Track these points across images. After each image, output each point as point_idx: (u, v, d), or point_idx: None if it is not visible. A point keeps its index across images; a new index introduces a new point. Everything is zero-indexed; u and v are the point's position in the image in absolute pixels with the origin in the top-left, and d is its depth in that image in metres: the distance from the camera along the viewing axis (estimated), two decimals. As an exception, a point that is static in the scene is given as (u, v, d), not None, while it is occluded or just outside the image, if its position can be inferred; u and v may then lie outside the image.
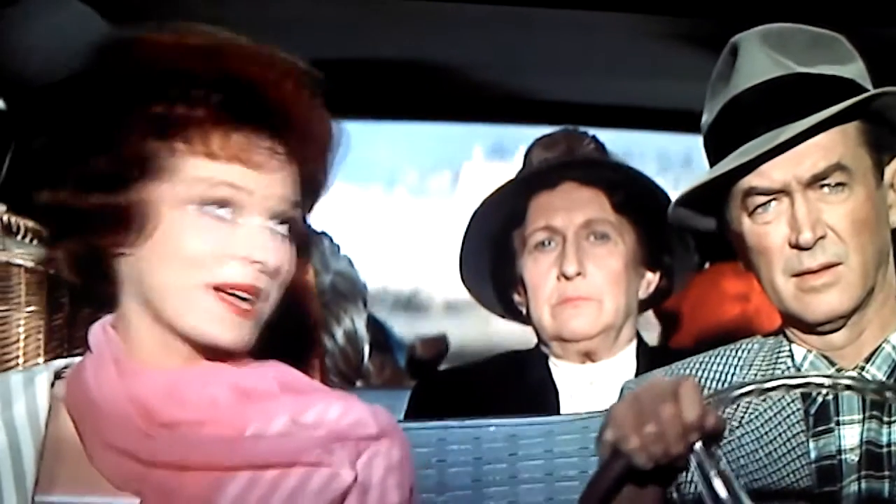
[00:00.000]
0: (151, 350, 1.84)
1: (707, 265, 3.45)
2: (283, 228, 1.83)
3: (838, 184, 1.99)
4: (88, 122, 1.83)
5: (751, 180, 1.99)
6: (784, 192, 1.99)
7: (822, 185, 1.98)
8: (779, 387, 1.79)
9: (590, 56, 3.32)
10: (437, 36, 3.16)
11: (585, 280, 2.60)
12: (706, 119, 2.07)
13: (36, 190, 1.87)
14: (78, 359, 1.90)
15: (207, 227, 1.79)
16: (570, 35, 3.12)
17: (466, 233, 2.72)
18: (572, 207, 2.62)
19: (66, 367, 1.90)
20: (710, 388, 2.07)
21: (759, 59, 2.01)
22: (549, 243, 2.64)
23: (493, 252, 2.72)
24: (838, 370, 2.03)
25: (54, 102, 1.88)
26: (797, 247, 1.98)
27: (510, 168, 2.85)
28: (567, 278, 2.60)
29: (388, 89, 3.58)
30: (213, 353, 1.84)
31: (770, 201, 2.00)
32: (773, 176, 1.98)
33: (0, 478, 1.80)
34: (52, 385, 1.88)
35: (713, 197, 2.06)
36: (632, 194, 2.63)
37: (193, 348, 1.83)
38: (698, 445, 1.78)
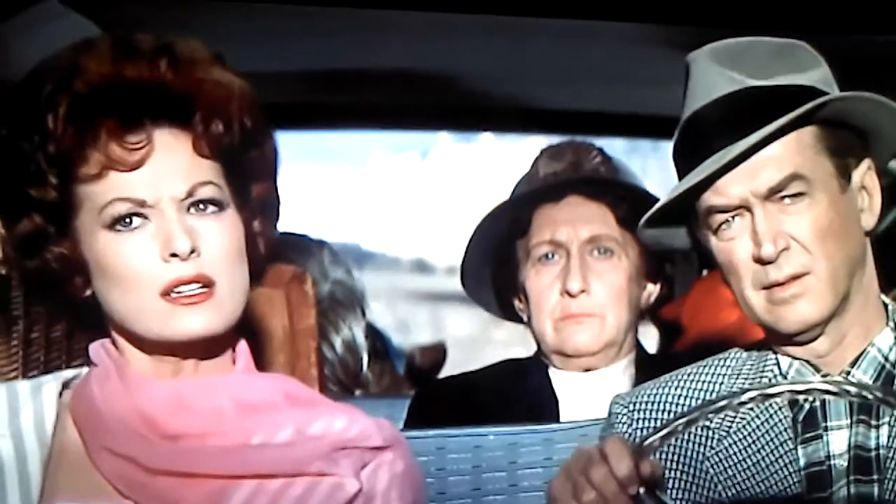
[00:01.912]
0: (142, 364, 1.86)
1: (705, 272, 3.45)
2: (206, 208, 1.82)
3: (797, 193, 1.98)
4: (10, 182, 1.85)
5: (710, 198, 2.00)
6: (744, 207, 1.99)
7: (781, 197, 1.98)
8: (782, 393, 1.80)
9: (588, 65, 3.32)
10: (435, 46, 3.16)
11: (589, 296, 2.61)
12: (674, 139, 2.08)
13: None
14: (86, 370, 1.91)
15: (121, 242, 1.80)
16: (568, 44, 3.13)
17: (471, 240, 2.72)
18: (577, 222, 2.63)
19: (74, 377, 1.91)
20: (698, 400, 2.08)
21: (710, 76, 2.02)
22: (553, 256, 2.64)
23: (496, 259, 2.73)
24: (824, 376, 2.03)
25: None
26: (760, 261, 1.98)
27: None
28: (571, 295, 2.61)
29: (387, 100, 3.59)
30: (194, 348, 1.84)
31: (733, 217, 2.00)
32: (731, 192, 1.98)
33: (5, 485, 1.82)
34: (60, 395, 1.89)
35: (682, 215, 2.06)
36: (636, 209, 2.63)
37: (170, 354, 1.84)
38: (642, 493, 1.81)
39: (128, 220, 1.80)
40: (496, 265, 2.74)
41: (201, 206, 1.82)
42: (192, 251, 1.79)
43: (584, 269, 2.62)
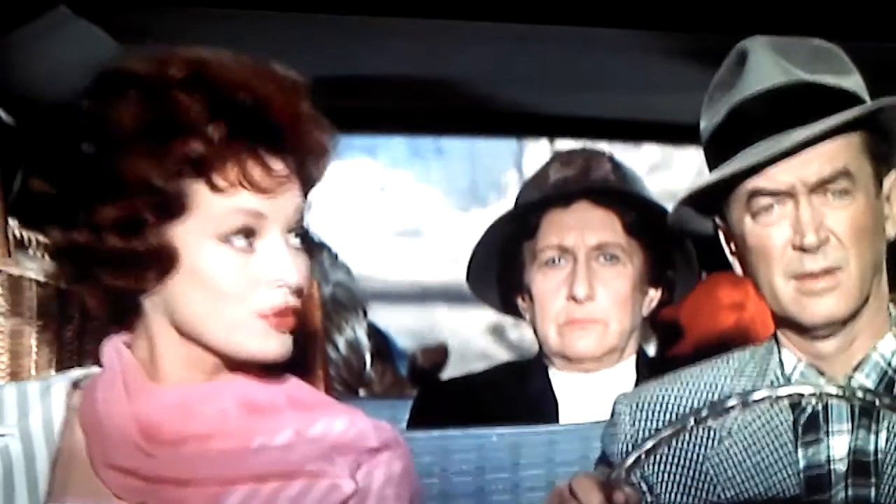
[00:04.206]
0: (175, 366, 1.86)
1: (703, 275, 3.48)
2: (298, 241, 1.86)
3: (842, 190, 2.02)
4: (93, 165, 1.82)
5: (757, 182, 2.02)
6: (789, 194, 2.02)
7: (827, 191, 2.02)
8: (762, 399, 1.81)
9: (592, 71, 3.33)
10: (439, 52, 3.17)
11: (594, 302, 2.63)
12: (707, 124, 2.10)
13: (45, 228, 1.89)
14: (95, 369, 1.92)
15: (230, 257, 1.81)
16: (572, 51, 3.14)
17: (479, 241, 2.75)
18: (585, 228, 2.66)
19: (84, 378, 1.92)
20: (701, 400, 2.10)
21: (768, 65, 2.05)
22: (559, 261, 2.66)
23: (502, 259, 2.75)
24: (828, 380, 2.05)
25: (54, 140, 1.89)
26: (800, 249, 2.01)
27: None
28: (577, 301, 2.63)
29: (392, 106, 3.60)
30: (247, 366, 1.86)
31: (774, 204, 2.03)
32: (780, 178, 2.01)
33: (14, 485, 1.83)
34: (69, 395, 1.90)
35: (713, 199, 2.09)
36: (643, 217, 2.67)
37: (226, 363, 1.86)
38: None
39: (239, 238, 1.81)
40: (501, 264, 2.76)
41: (299, 239, 1.85)
42: (290, 285, 1.82)
43: (591, 276, 2.64)
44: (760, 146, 2.02)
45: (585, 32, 2.94)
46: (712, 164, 2.10)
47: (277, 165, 1.83)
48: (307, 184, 1.88)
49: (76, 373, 1.94)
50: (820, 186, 2.02)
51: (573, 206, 2.68)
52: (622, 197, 2.69)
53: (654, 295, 2.73)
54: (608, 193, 2.68)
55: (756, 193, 2.03)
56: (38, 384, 1.92)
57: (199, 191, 1.81)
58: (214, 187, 1.80)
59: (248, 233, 1.82)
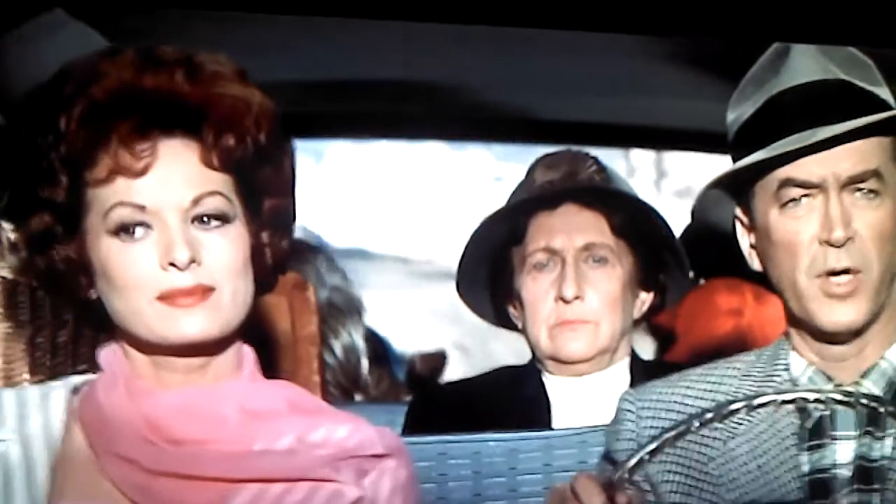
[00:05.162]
0: (145, 367, 1.87)
1: (701, 281, 3.48)
2: (209, 222, 1.83)
3: (871, 190, 2.04)
4: (21, 182, 1.87)
5: (789, 171, 2.04)
6: (819, 188, 2.03)
7: (857, 189, 2.04)
8: (767, 403, 1.81)
9: (586, 76, 3.34)
10: (433, 57, 3.18)
11: (583, 303, 2.63)
12: (739, 114, 2.12)
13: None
14: (94, 376, 1.92)
15: (122, 248, 1.81)
16: (565, 55, 3.14)
17: (466, 247, 2.74)
18: (572, 230, 2.65)
19: (83, 383, 1.92)
20: (706, 402, 2.10)
21: (809, 61, 2.08)
22: (548, 264, 2.66)
23: (491, 266, 2.75)
24: (836, 385, 2.05)
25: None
26: (827, 243, 2.02)
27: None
28: (565, 301, 2.63)
29: (386, 110, 3.60)
30: (191, 350, 1.84)
31: (803, 196, 2.04)
32: (813, 170, 2.03)
33: (13, 490, 1.83)
34: (69, 400, 1.90)
35: (738, 189, 2.11)
36: (630, 218, 2.67)
37: (172, 354, 1.85)
38: None
39: (131, 229, 1.81)
40: (491, 272, 2.76)
41: (205, 219, 1.82)
42: (192, 261, 1.80)
43: (579, 277, 2.64)
44: (797, 136, 2.04)
45: (582, 37, 2.93)
46: (741, 153, 2.10)
47: (143, 144, 1.80)
48: (227, 159, 1.84)
49: (76, 379, 1.94)
50: (851, 183, 2.04)
51: (560, 209, 2.68)
52: (608, 197, 2.69)
53: (646, 298, 2.73)
54: (594, 194, 2.68)
55: (787, 183, 2.04)
56: (37, 389, 1.92)
57: (87, 190, 1.82)
58: (92, 181, 1.81)
59: (136, 223, 1.81)
